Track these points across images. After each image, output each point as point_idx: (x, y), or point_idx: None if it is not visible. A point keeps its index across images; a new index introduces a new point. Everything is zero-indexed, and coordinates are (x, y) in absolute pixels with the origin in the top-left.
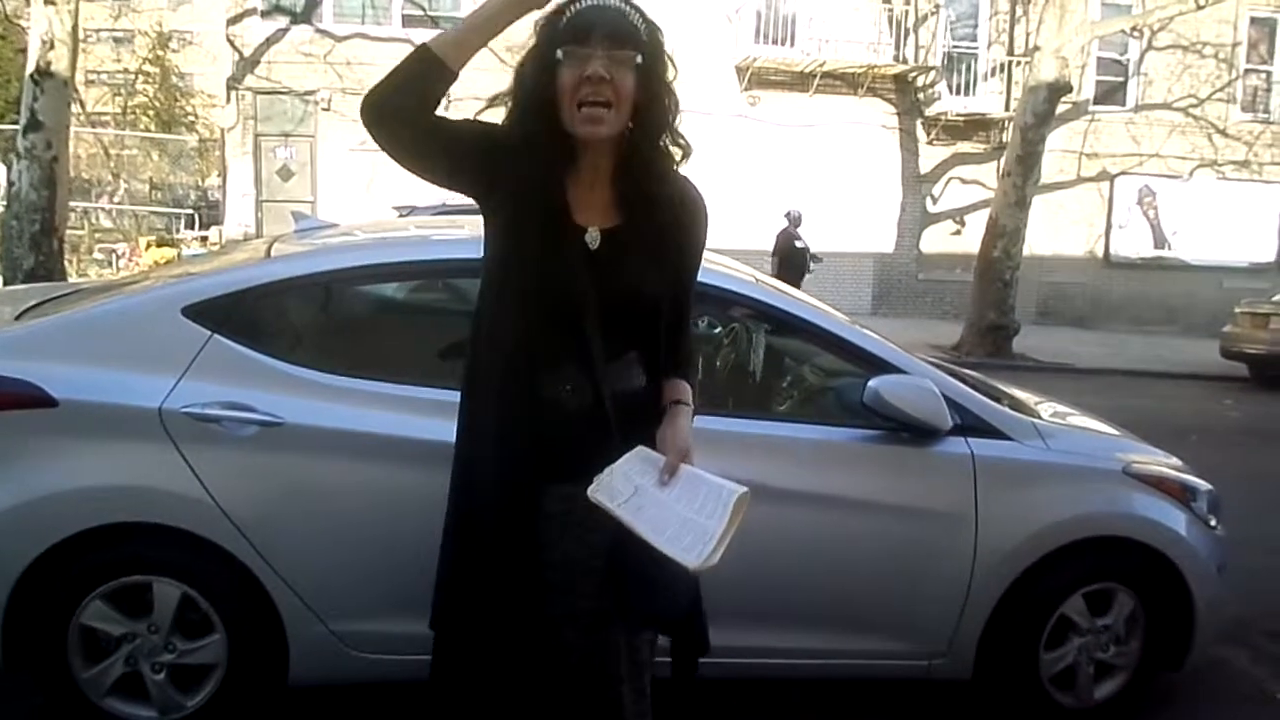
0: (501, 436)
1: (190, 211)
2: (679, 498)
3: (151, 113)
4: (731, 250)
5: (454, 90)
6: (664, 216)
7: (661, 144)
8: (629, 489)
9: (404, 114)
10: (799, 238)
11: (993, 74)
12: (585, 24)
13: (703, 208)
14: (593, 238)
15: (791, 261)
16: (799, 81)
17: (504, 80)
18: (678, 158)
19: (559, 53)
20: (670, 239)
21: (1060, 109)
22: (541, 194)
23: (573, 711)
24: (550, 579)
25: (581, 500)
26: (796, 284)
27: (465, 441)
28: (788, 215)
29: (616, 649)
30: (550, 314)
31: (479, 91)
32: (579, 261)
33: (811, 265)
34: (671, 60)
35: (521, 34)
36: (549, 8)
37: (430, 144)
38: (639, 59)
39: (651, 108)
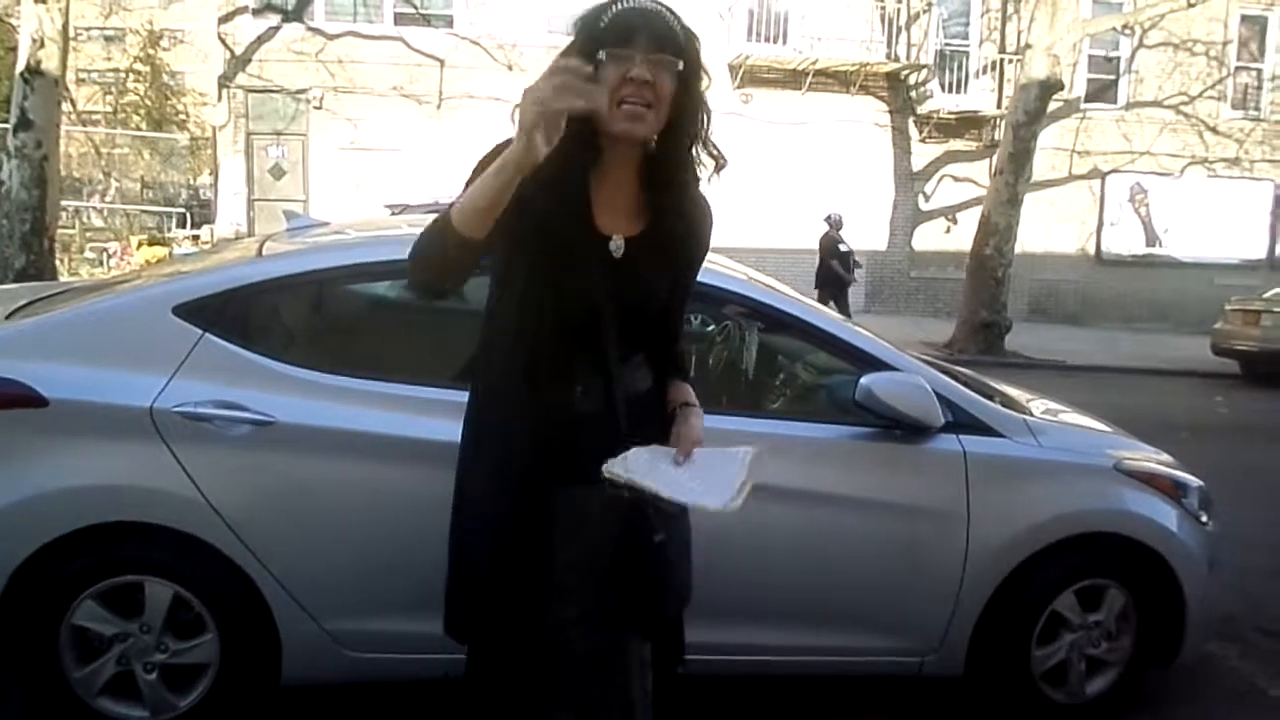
0: (508, 436)
1: (182, 210)
2: (693, 473)
3: (143, 111)
4: (724, 249)
5: (449, 90)
6: (681, 227)
7: (691, 153)
8: (645, 466)
9: (449, 282)
10: (842, 240)
11: (985, 72)
12: (629, 26)
13: (710, 216)
14: (617, 246)
15: (837, 266)
16: (791, 79)
17: (501, 80)
18: (710, 168)
19: (601, 54)
20: (682, 247)
21: (1052, 107)
22: (569, 204)
23: (587, 711)
24: (562, 580)
25: (591, 502)
26: (841, 289)
27: (471, 441)
28: (828, 219)
29: (626, 648)
30: (569, 320)
31: (474, 91)
32: (601, 270)
33: (854, 271)
34: (706, 70)
35: (514, 33)
36: (587, 9)
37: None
38: (680, 65)
39: (686, 115)
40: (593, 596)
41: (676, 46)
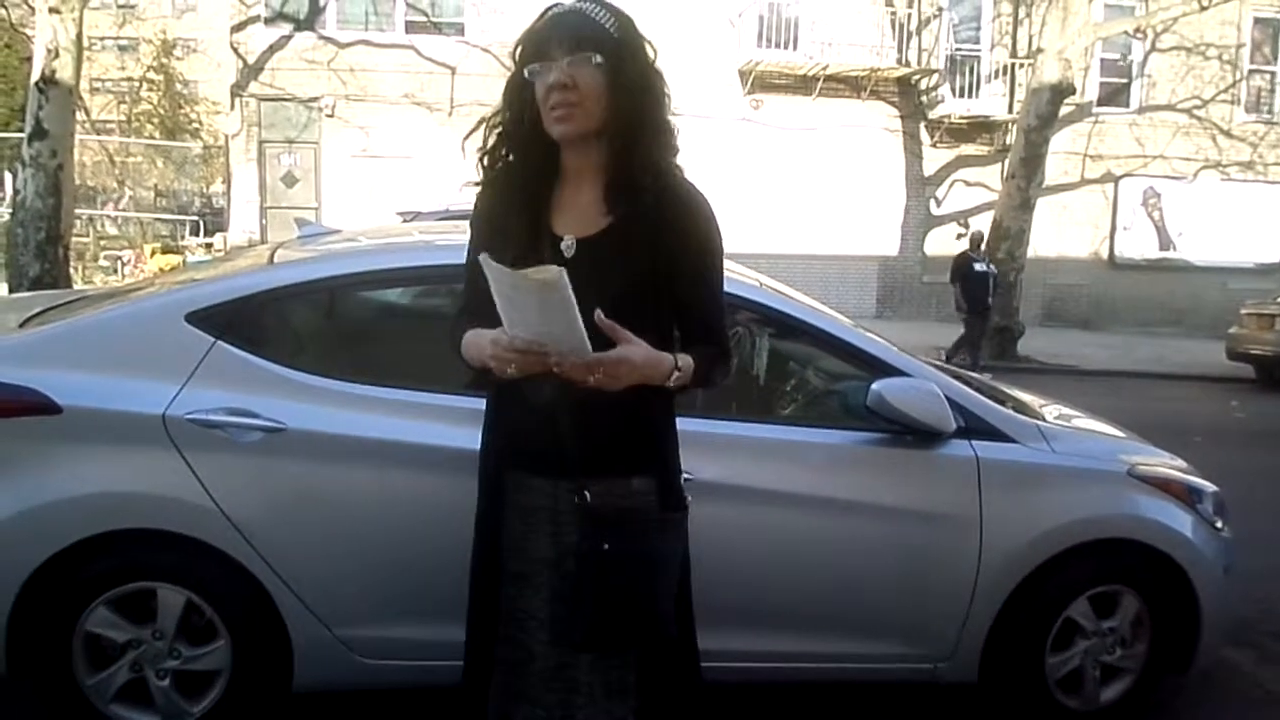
0: (491, 426)
1: (195, 218)
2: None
3: (156, 120)
4: (735, 254)
5: (460, 98)
6: (652, 212)
7: (649, 140)
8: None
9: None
10: (979, 259)
11: (996, 76)
12: (544, 37)
13: (700, 203)
14: (568, 245)
15: (971, 288)
16: (802, 85)
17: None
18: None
19: (526, 72)
20: (658, 235)
21: (1064, 111)
22: (525, 209)
23: (548, 713)
24: (520, 571)
25: (544, 495)
26: (981, 310)
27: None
28: (963, 237)
29: (587, 664)
30: None
31: (486, 98)
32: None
33: (995, 292)
34: (649, 43)
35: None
36: (520, 33)
37: None
38: (597, 58)
39: (627, 97)
40: (554, 597)
41: (597, 39)
